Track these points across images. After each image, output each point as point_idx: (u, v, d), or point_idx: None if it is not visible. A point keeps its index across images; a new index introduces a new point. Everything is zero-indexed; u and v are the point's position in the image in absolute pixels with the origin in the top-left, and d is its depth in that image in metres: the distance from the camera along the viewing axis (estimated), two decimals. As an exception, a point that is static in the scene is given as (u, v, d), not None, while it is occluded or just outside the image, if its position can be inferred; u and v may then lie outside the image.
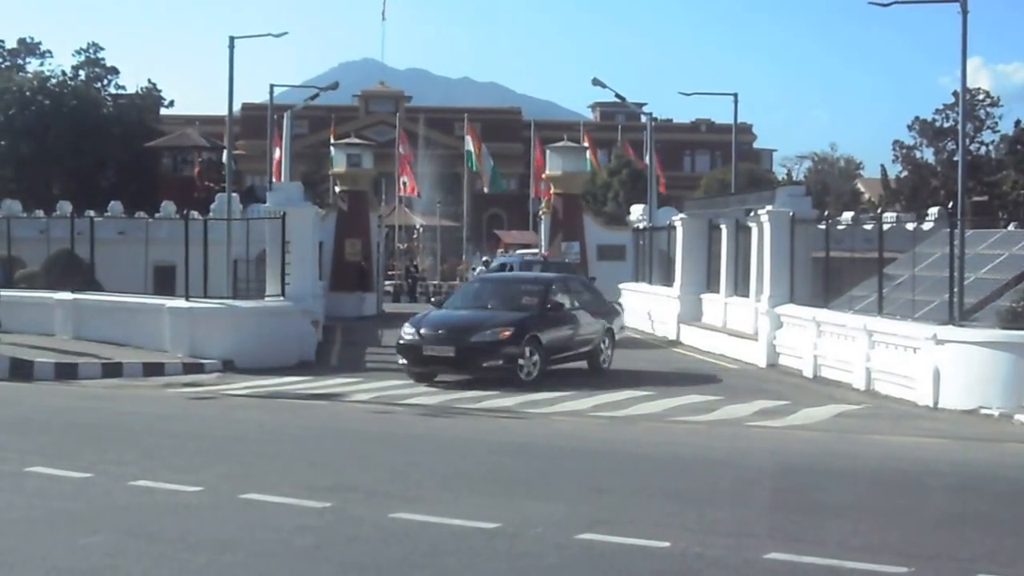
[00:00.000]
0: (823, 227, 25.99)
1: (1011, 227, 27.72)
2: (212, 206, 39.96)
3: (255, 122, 72.66)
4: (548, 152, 44.05)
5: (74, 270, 28.06)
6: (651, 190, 42.14)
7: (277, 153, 43.43)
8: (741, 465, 13.34)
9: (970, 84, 43.59)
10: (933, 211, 41.27)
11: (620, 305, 30.09)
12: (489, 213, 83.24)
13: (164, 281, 30.52)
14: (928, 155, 72.60)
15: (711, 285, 31.67)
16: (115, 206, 42.23)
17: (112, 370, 22.52)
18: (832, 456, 14.38)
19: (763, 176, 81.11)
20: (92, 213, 31.89)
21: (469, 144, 55.80)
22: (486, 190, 57.76)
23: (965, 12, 23.44)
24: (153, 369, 22.98)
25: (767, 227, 26.06)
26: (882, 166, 74.93)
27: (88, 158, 58.57)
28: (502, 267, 35.59)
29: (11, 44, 71.33)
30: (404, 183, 53.73)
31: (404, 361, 22.25)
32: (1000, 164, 67.98)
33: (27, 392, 20.02)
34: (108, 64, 70.06)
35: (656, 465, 13.33)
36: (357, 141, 45.04)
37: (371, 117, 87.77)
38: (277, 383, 21.53)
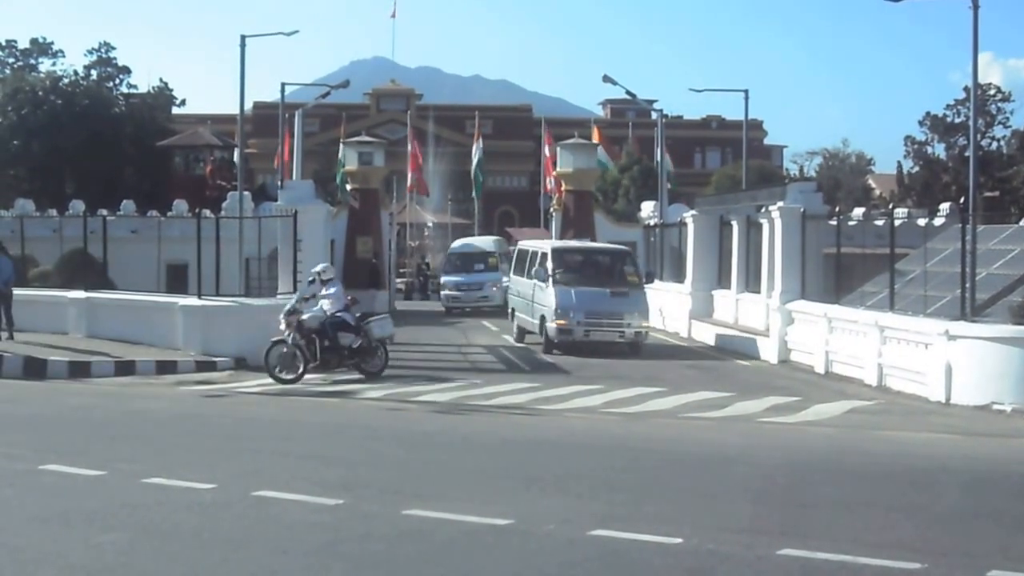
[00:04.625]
0: (834, 223, 26.01)
1: (1022, 223, 27.63)
2: (224, 204, 40.10)
3: (267, 120, 72.77)
4: (559, 149, 43.99)
5: (87, 269, 28.16)
6: (662, 187, 42.15)
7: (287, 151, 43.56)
8: (753, 461, 13.35)
9: (981, 79, 43.45)
10: (944, 207, 41.17)
11: None
12: (500, 210, 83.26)
13: (177, 279, 30.66)
14: (940, 151, 72.41)
15: (722, 281, 31.69)
16: (128, 205, 42.39)
17: (125, 368, 22.58)
18: (844, 452, 14.38)
19: (774, 172, 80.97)
20: (105, 212, 32.00)
21: (481, 144, 55.92)
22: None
23: (976, 7, 23.43)
24: (166, 367, 23.05)
25: (778, 223, 26.05)
26: (899, 163, 74.65)
27: (100, 157, 58.69)
28: None
29: (23, 44, 71.55)
30: (414, 179, 53.74)
31: None
32: (1011, 159, 67.77)
33: (41, 390, 20.08)
34: (120, 64, 70.32)
35: (668, 461, 13.34)
36: (368, 139, 45.08)
37: (382, 115, 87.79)
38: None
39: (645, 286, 29.48)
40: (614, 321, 27.40)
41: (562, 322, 27.17)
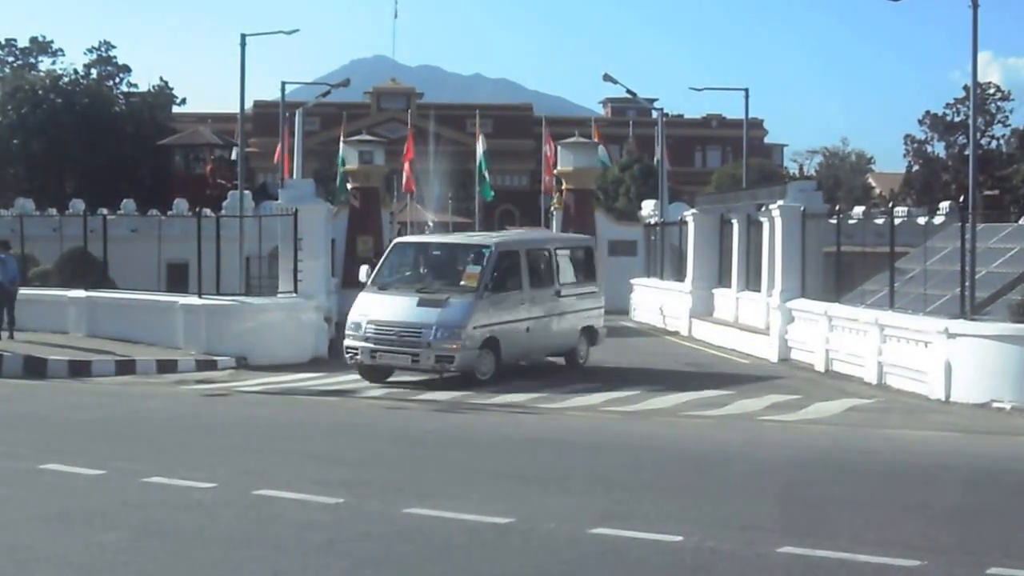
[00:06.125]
0: (834, 222, 25.98)
1: (1022, 221, 27.65)
2: (224, 203, 40.10)
3: (267, 119, 72.68)
4: (560, 148, 43.97)
5: (87, 268, 28.16)
6: (662, 185, 42.13)
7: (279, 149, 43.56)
8: (753, 459, 13.36)
9: (980, 78, 43.45)
10: (944, 205, 41.22)
11: None
12: (501, 209, 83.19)
13: (177, 278, 30.66)
14: (939, 149, 72.52)
15: (723, 280, 31.68)
16: (128, 204, 42.41)
17: (126, 367, 22.58)
18: (844, 450, 14.39)
19: (774, 171, 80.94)
20: (105, 211, 32.01)
21: (484, 145, 55.82)
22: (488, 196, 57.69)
23: (976, 6, 23.44)
24: (166, 366, 23.04)
25: (778, 222, 26.04)
26: (909, 162, 74.64)
27: (100, 156, 58.74)
28: None
29: (23, 43, 71.56)
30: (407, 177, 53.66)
31: None
32: (1011, 158, 67.93)
33: (41, 390, 20.09)
34: (120, 62, 70.31)
35: (669, 459, 13.35)
36: (369, 138, 45.05)
37: (382, 114, 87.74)
38: (290, 379, 21.57)
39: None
40: (407, 338, 20.38)
41: (348, 339, 21.28)
